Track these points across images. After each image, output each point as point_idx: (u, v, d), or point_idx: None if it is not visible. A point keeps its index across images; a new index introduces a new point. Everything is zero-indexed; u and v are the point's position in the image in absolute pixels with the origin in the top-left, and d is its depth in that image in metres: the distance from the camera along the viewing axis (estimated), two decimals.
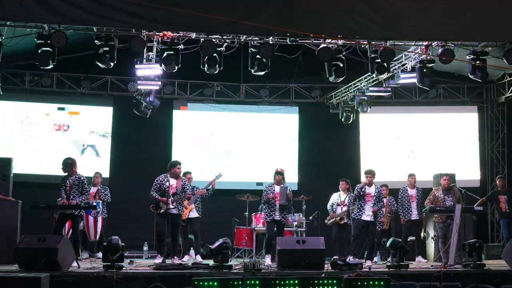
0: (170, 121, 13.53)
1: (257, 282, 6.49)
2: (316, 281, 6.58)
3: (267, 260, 9.38)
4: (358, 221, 9.94)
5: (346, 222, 10.66)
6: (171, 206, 9.00)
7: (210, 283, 6.39)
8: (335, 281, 6.56)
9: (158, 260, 8.88)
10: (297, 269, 7.58)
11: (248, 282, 6.46)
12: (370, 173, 10.03)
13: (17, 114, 12.83)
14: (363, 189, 9.86)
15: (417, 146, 13.92)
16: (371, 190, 10.04)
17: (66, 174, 8.98)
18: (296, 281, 6.51)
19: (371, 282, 6.61)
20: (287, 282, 6.52)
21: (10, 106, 12.82)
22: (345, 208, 10.70)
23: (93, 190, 10.68)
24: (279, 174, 10.14)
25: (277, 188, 9.98)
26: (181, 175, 9.53)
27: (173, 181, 9.22)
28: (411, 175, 11.04)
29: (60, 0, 8.33)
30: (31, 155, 12.72)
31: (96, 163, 12.80)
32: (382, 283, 6.58)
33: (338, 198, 11.03)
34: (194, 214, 10.46)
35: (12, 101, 12.80)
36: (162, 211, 9.02)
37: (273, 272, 7.40)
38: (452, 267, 8.34)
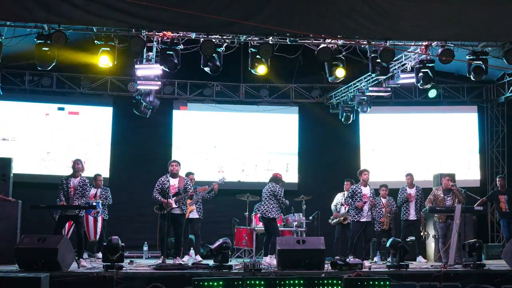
0: (170, 121, 13.52)
1: (257, 282, 6.50)
2: (316, 281, 6.59)
3: (274, 261, 9.01)
4: (356, 223, 9.98)
5: (350, 222, 10.64)
6: (174, 206, 9.01)
7: (210, 283, 6.40)
8: (335, 281, 6.57)
9: (160, 260, 8.86)
10: (297, 269, 7.58)
11: (248, 282, 6.46)
12: (367, 172, 10.13)
13: (17, 114, 12.83)
14: (358, 190, 10.02)
15: (417, 146, 13.91)
16: (367, 190, 10.07)
17: (70, 174, 8.97)
18: (296, 281, 6.52)
19: (371, 282, 6.62)
20: (287, 282, 6.53)
21: (10, 106, 12.82)
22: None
23: (93, 191, 10.67)
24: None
25: None
26: (181, 175, 9.48)
27: (173, 181, 9.20)
28: (408, 175, 11.05)
29: (60, 0, 8.33)
30: (31, 155, 12.72)
31: (96, 163, 12.82)
32: (382, 283, 6.59)
33: (342, 198, 11.04)
34: (194, 215, 10.44)
35: (12, 101, 12.80)
36: (165, 212, 8.96)
37: (273, 272, 7.41)
38: (452, 267, 8.35)
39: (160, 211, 9.06)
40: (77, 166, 8.99)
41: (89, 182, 9.28)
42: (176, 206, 9.05)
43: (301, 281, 6.53)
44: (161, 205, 9.05)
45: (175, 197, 9.07)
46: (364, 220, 9.97)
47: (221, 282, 6.41)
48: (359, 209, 9.97)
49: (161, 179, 9.21)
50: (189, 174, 10.64)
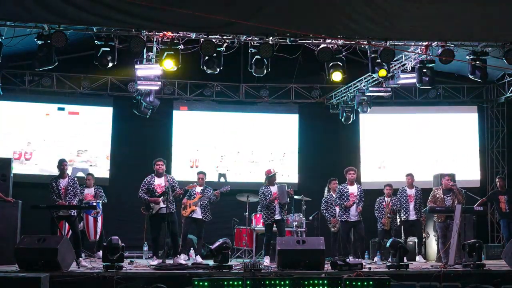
0: (170, 121, 13.51)
1: (257, 282, 6.50)
2: (316, 281, 6.59)
3: (266, 261, 9.37)
4: (345, 223, 9.96)
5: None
6: (162, 205, 9.04)
7: (210, 283, 6.40)
8: (335, 281, 6.58)
9: (154, 262, 8.85)
10: (297, 269, 7.58)
11: (248, 282, 6.47)
12: (352, 170, 10.11)
13: (17, 114, 12.82)
14: (344, 189, 10.02)
15: (417, 146, 13.90)
16: (353, 189, 10.03)
17: (57, 176, 9.00)
18: (297, 281, 6.52)
19: (371, 282, 6.62)
20: (287, 282, 6.53)
21: (10, 106, 12.81)
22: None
23: (88, 191, 10.67)
24: (274, 175, 10.11)
25: (273, 189, 9.96)
26: (164, 173, 9.42)
27: (159, 181, 9.27)
28: (408, 175, 11.04)
29: (60, 0, 8.33)
30: (31, 155, 12.71)
31: (96, 163, 12.83)
32: (382, 283, 6.60)
33: (331, 198, 10.92)
34: (198, 215, 10.26)
35: (12, 101, 12.78)
36: (154, 212, 9.09)
37: (273, 272, 7.41)
38: (452, 267, 8.35)
39: (147, 212, 9.19)
40: (64, 166, 9.00)
41: (78, 181, 9.30)
42: (164, 205, 9.06)
43: (301, 281, 6.54)
44: (147, 206, 9.15)
45: (162, 197, 9.12)
46: (352, 220, 9.96)
47: (221, 282, 6.42)
48: (347, 209, 9.96)
49: (146, 179, 9.33)
50: (200, 173, 10.59)
